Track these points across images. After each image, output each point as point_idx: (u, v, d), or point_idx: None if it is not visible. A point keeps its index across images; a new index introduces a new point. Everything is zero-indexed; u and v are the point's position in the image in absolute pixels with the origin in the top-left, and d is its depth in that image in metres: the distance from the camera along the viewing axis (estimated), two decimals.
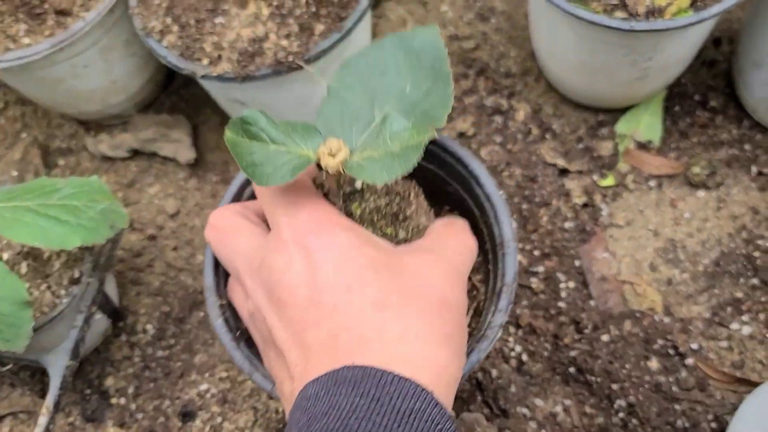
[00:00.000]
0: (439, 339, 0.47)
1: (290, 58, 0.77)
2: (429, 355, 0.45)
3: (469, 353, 0.62)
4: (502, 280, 0.64)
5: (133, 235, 0.99)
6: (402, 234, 0.66)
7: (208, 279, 0.64)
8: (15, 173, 1.04)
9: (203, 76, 0.80)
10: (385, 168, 0.52)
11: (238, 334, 0.63)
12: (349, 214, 0.66)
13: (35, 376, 0.91)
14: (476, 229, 0.75)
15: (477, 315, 0.71)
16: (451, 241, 0.59)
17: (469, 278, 0.74)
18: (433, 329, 0.47)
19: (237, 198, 0.70)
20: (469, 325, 0.71)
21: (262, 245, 0.54)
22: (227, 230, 0.58)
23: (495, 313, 0.63)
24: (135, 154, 1.06)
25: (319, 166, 0.56)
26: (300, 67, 0.78)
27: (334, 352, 0.43)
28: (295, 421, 0.39)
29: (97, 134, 1.08)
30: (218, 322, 0.62)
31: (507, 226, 0.66)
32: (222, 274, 0.65)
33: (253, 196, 0.72)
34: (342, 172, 0.55)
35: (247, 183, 0.71)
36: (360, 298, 0.47)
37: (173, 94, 1.12)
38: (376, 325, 0.45)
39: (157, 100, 1.11)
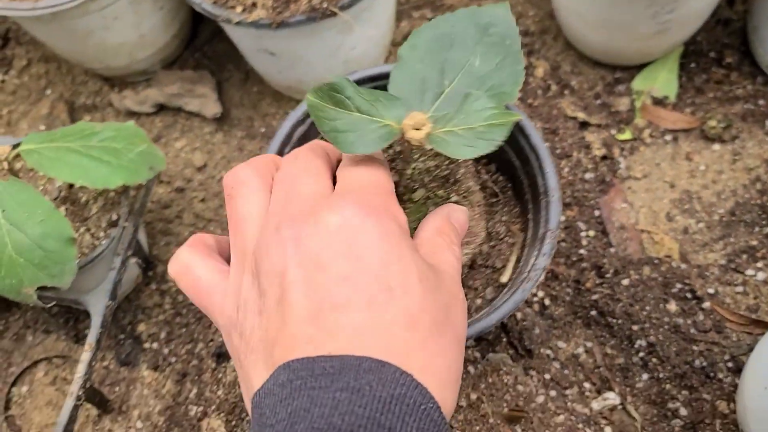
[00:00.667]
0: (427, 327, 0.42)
1: (324, 5, 0.79)
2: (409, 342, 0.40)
3: (513, 293, 0.64)
4: (546, 226, 0.67)
5: (160, 187, 1.01)
6: (454, 197, 0.69)
7: None
8: (42, 127, 1.05)
9: (237, 23, 0.81)
10: (469, 144, 0.53)
11: None
12: (402, 175, 0.68)
13: (69, 322, 0.93)
14: (515, 180, 0.78)
15: (517, 261, 0.73)
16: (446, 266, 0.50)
17: (509, 226, 0.77)
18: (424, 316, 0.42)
19: (284, 145, 0.72)
20: (513, 266, 0.74)
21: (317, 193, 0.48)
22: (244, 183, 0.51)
23: (539, 257, 0.65)
24: (160, 109, 1.08)
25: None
26: (333, 14, 0.80)
27: (340, 339, 0.39)
28: (272, 412, 0.37)
29: (121, 90, 1.09)
30: None
31: (552, 176, 0.69)
32: None
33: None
34: (423, 144, 0.56)
35: (287, 141, 0.73)
36: (395, 303, 0.41)
37: (197, 51, 1.13)
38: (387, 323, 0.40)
39: (181, 57, 1.12)
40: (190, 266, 0.50)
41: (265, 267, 0.43)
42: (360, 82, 0.75)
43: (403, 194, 0.69)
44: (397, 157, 0.71)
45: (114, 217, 0.82)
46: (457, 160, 0.69)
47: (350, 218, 0.43)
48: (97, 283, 0.81)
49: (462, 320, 0.47)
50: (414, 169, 0.70)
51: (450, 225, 0.56)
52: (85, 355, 0.77)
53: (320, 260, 0.41)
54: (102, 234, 0.80)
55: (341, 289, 0.40)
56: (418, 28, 0.63)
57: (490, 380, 0.84)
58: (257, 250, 0.45)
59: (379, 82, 0.73)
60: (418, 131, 0.54)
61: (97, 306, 0.80)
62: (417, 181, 0.69)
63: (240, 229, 0.48)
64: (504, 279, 0.71)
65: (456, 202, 0.68)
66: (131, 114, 1.08)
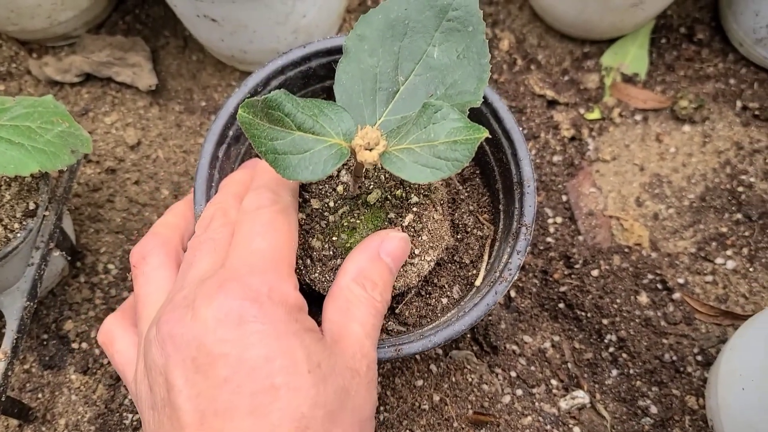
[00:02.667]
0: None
1: None
2: None
3: (485, 295, 0.58)
4: (520, 220, 0.60)
5: (89, 167, 0.90)
6: (414, 197, 0.61)
7: (200, 207, 0.58)
8: None
9: None
10: (428, 166, 0.45)
11: None
12: (351, 172, 0.60)
13: None
14: (485, 167, 0.71)
15: (488, 258, 0.67)
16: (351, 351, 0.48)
17: (477, 217, 0.70)
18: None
19: (222, 139, 0.63)
20: (485, 264, 0.67)
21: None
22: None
23: (513, 255, 0.59)
24: (86, 79, 0.96)
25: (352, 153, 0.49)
26: None
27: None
28: None
29: (41, 56, 0.97)
30: None
31: (527, 164, 0.62)
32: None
33: (237, 136, 0.65)
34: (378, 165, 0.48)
35: (231, 122, 0.64)
36: (281, 404, 0.40)
37: (127, 13, 1.01)
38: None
39: (109, 20, 1.00)
40: (113, 338, 0.50)
41: (149, 362, 0.42)
42: (312, 56, 0.66)
43: (357, 198, 0.61)
44: (348, 167, 0.62)
45: (31, 205, 0.71)
46: None
47: (229, 313, 0.41)
48: (12, 282, 0.71)
49: (366, 397, 0.45)
50: (372, 171, 0.62)
51: (377, 264, 0.51)
52: (0, 365, 0.67)
53: (199, 362, 0.39)
54: (17, 226, 0.70)
55: (223, 393, 0.38)
56: (364, 14, 0.53)
57: (454, 380, 0.79)
58: (144, 342, 0.44)
59: (335, 56, 0.65)
60: (371, 152, 0.46)
61: (13, 308, 0.70)
62: (372, 180, 0.61)
63: (139, 312, 0.48)
64: (477, 282, 0.65)
65: (416, 203, 0.60)
66: (53, 84, 0.96)
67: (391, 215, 0.58)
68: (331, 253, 0.57)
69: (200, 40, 0.91)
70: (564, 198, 0.91)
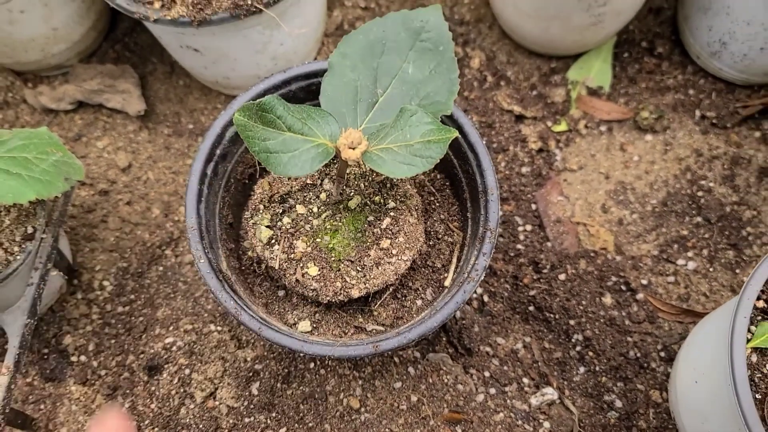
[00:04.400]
0: None
1: (249, 2, 0.75)
2: None
3: (454, 294, 0.63)
4: (485, 225, 0.66)
5: (83, 190, 0.96)
6: (391, 203, 0.67)
7: (191, 219, 0.63)
8: None
9: (156, 21, 0.77)
10: (405, 163, 0.52)
11: (221, 276, 0.63)
12: (333, 180, 0.66)
13: None
14: (454, 178, 0.76)
15: (457, 261, 0.72)
16: None
17: (448, 225, 0.75)
18: None
19: (210, 157, 0.68)
20: (455, 268, 0.73)
21: None
22: None
23: (479, 257, 0.64)
24: (79, 106, 1.01)
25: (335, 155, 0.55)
26: (258, 11, 0.76)
27: None
28: None
29: (36, 86, 1.02)
30: (202, 263, 0.61)
31: (490, 175, 0.67)
32: (204, 214, 0.64)
33: (224, 154, 0.70)
34: (360, 162, 0.54)
35: (218, 142, 0.69)
36: None
37: (116, 42, 1.07)
38: None
39: (100, 50, 1.06)
40: None
41: None
42: (292, 80, 0.72)
43: (339, 203, 0.66)
44: (330, 162, 0.68)
45: (29, 229, 0.77)
46: None
47: None
48: (13, 301, 0.76)
49: None
50: (349, 174, 0.68)
51: None
52: (3, 380, 0.72)
53: None
54: (17, 249, 0.75)
55: None
56: (347, 35, 0.60)
57: (431, 380, 0.84)
58: None
59: (313, 79, 0.70)
60: (353, 150, 0.52)
61: (15, 326, 0.75)
62: (353, 188, 0.67)
63: None
64: (447, 282, 0.70)
65: (393, 208, 0.66)
66: (48, 111, 1.01)
67: (371, 218, 0.64)
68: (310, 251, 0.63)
69: (185, 67, 0.97)
70: (533, 207, 0.96)
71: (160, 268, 0.92)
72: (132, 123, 1.00)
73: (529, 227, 0.95)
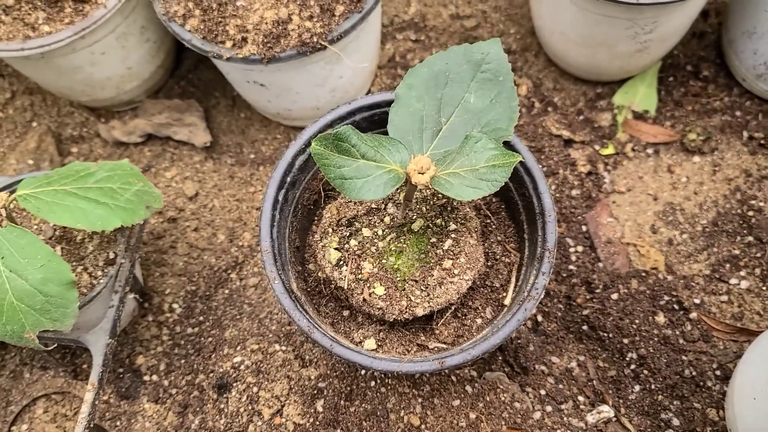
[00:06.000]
0: None
1: (315, 39, 0.80)
2: None
3: (515, 312, 0.66)
4: (543, 246, 0.69)
5: (153, 218, 1.02)
6: (452, 225, 0.71)
7: (266, 242, 0.67)
8: (30, 162, 1.05)
9: (229, 59, 0.82)
10: (471, 186, 0.56)
11: (293, 296, 0.67)
12: (397, 204, 0.70)
13: (66, 357, 0.94)
14: (510, 201, 0.80)
15: (516, 281, 0.76)
16: None
17: (505, 246, 0.79)
18: None
19: (281, 184, 0.73)
20: (514, 287, 0.76)
21: None
22: None
23: (538, 276, 0.67)
24: (148, 138, 1.08)
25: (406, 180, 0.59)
26: (323, 48, 0.81)
27: None
28: None
29: (108, 121, 1.09)
30: (276, 284, 0.65)
31: (547, 197, 0.71)
32: (276, 237, 0.69)
33: (293, 182, 0.75)
34: (428, 187, 0.58)
35: (289, 170, 0.74)
36: None
37: (182, 78, 1.13)
38: None
39: (166, 85, 1.13)
40: None
41: None
42: (357, 111, 0.76)
43: (403, 226, 0.70)
44: (399, 190, 0.72)
45: (111, 255, 0.82)
46: None
47: None
48: (96, 322, 0.82)
49: None
50: (411, 200, 0.72)
51: None
52: (89, 396, 0.77)
53: None
54: (100, 273, 0.81)
55: None
56: (412, 68, 0.65)
57: (488, 398, 0.86)
58: None
59: (376, 110, 0.75)
60: (423, 175, 0.56)
61: (98, 345, 0.80)
62: (415, 211, 0.71)
63: None
64: (506, 301, 0.73)
65: (454, 230, 0.70)
66: (119, 144, 1.08)
67: (433, 240, 0.68)
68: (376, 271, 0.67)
69: (248, 100, 1.03)
70: (584, 228, 0.99)
71: (226, 291, 0.97)
72: (198, 154, 1.06)
73: (580, 248, 0.97)
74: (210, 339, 0.93)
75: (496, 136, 0.62)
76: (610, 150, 1.05)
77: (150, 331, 0.95)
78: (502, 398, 0.86)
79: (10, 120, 1.11)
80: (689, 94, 1.08)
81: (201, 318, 0.95)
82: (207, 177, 1.05)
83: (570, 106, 1.09)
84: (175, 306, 0.96)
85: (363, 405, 0.85)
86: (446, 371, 0.86)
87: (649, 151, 1.05)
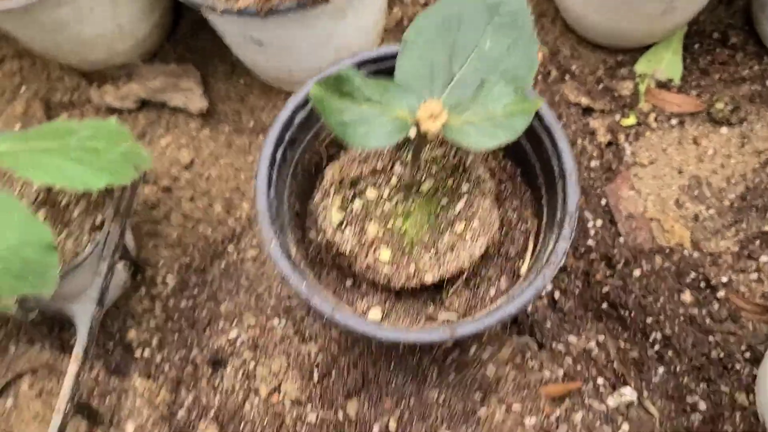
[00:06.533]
0: None
1: None
2: None
3: (533, 280, 0.61)
4: (564, 209, 0.63)
5: (146, 187, 0.96)
6: (464, 186, 0.65)
7: (261, 203, 0.62)
8: (18, 127, 1.00)
9: (223, 12, 0.77)
10: (487, 134, 0.50)
11: (291, 260, 0.62)
12: (404, 164, 0.64)
13: (53, 331, 0.88)
14: (526, 165, 0.74)
15: (533, 249, 0.70)
16: None
17: (520, 213, 0.73)
18: None
19: (279, 142, 0.68)
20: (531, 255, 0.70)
21: None
22: None
23: (558, 241, 0.62)
24: (142, 105, 1.03)
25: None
26: (325, 1, 0.76)
27: None
28: None
29: (101, 86, 1.04)
30: (273, 246, 0.60)
31: (568, 156, 0.65)
32: (273, 198, 0.63)
33: (293, 140, 0.69)
34: (439, 135, 0.52)
35: (288, 126, 0.68)
36: None
37: (179, 43, 1.08)
38: None
39: (162, 50, 1.07)
40: None
41: None
42: (361, 65, 0.71)
43: (410, 187, 0.64)
44: (407, 148, 0.66)
45: (98, 220, 0.77)
46: None
47: None
48: (82, 291, 0.76)
49: None
50: (421, 159, 0.66)
51: None
52: (72, 368, 0.72)
53: None
54: (86, 238, 0.76)
55: None
56: (423, 11, 0.59)
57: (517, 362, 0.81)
58: None
59: (381, 64, 0.69)
60: (434, 122, 0.50)
61: (84, 315, 0.75)
62: (424, 171, 0.65)
63: None
64: (523, 270, 0.68)
65: (467, 192, 0.64)
66: (112, 110, 1.02)
67: (444, 202, 0.62)
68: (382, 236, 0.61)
69: (247, 63, 0.97)
70: (603, 202, 0.93)
71: (223, 264, 0.91)
72: (194, 121, 1.01)
73: (599, 222, 0.91)
74: (205, 313, 0.88)
75: (514, 84, 0.56)
76: (631, 120, 0.98)
77: (142, 304, 0.90)
78: (530, 365, 0.81)
79: None
80: (716, 62, 1.01)
81: (195, 291, 0.89)
82: (203, 145, 0.99)
83: (588, 74, 1.03)
84: (168, 279, 0.91)
85: (372, 378, 0.80)
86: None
87: (674, 121, 0.98)
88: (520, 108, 0.49)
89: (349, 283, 0.71)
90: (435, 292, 0.69)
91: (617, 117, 0.98)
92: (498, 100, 0.50)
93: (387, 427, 0.78)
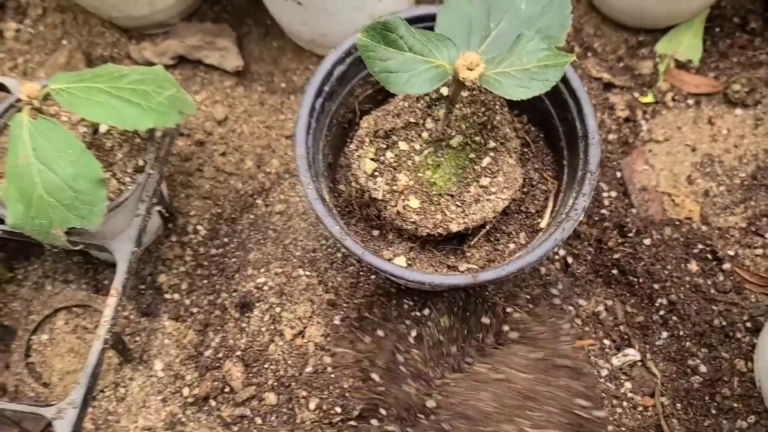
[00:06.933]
0: None
1: None
2: None
3: (552, 232, 0.65)
4: (585, 167, 0.67)
5: (180, 140, 1.00)
6: (491, 143, 0.69)
7: (300, 148, 0.66)
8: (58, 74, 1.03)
9: None
10: (521, 86, 0.54)
11: (325, 204, 0.66)
12: (436, 120, 0.68)
13: (88, 273, 0.93)
14: (550, 128, 0.78)
15: (553, 206, 0.74)
16: None
17: (542, 173, 0.77)
18: None
19: (319, 92, 0.71)
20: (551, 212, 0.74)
21: None
22: None
23: (578, 198, 0.66)
24: (179, 62, 1.06)
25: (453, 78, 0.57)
26: None
27: None
28: None
29: (140, 42, 1.08)
30: (310, 189, 0.64)
31: (591, 119, 0.69)
32: (311, 146, 0.67)
33: (331, 92, 0.73)
34: (476, 84, 0.56)
35: (327, 79, 0.72)
36: None
37: (215, 3, 1.12)
38: None
39: (200, 10, 1.11)
40: None
41: None
42: None
43: (441, 141, 0.68)
44: (439, 105, 0.70)
45: (140, 162, 0.81)
46: (494, 106, 0.69)
47: None
48: (122, 229, 0.81)
49: None
50: (451, 117, 0.70)
51: None
52: (112, 300, 0.77)
53: None
54: (128, 179, 0.80)
55: None
56: None
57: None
58: None
59: (419, 24, 0.73)
60: (471, 71, 0.54)
61: (123, 252, 0.80)
62: (454, 128, 0.69)
63: None
64: (542, 225, 0.72)
65: (493, 148, 0.68)
66: (150, 66, 1.06)
67: (471, 156, 0.66)
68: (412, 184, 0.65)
69: (283, 24, 1.01)
70: (618, 174, 0.96)
71: (251, 216, 0.96)
72: (228, 79, 1.05)
73: (613, 193, 0.95)
74: (234, 260, 0.92)
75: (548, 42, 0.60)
76: (649, 98, 1.02)
77: (173, 251, 0.94)
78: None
79: (40, 36, 1.10)
80: (735, 45, 1.05)
81: (225, 240, 0.94)
82: (237, 102, 1.03)
83: (610, 52, 1.06)
84: (199, 227, 0.95)
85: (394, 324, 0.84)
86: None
87: (690, 101, 1.02)
88: (554, 61, 0.53)
89: (376, 233, 0.75)
90: (458, 243, 0.73)
91: (636, 94, 1.02)
92: (533, 53, 0.54)
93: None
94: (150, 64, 1.06)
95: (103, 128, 0.82)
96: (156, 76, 0.78)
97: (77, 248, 0.76)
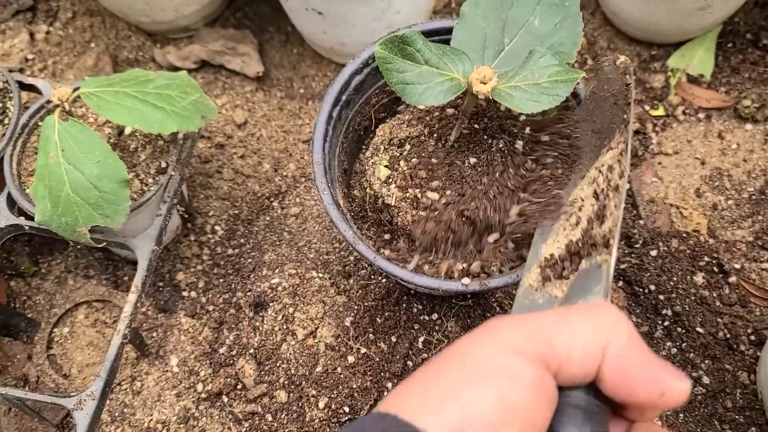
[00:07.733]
0: None
1: None
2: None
3: None
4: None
5: (201, 142, 1.03)
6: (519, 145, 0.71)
7: (317, 154, 0.68)
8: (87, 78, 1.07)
9: None
10: (533, 100, 0.56)
11: (340, 209, 0.68)
12: (460, 118, 0.71)
13: (108, 269, 0.96)
14: None
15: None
16: None
17: None
18: None
19: (336, 101, 0.74)
20: None
21: None
22: None
23: None
24: (201, 66, 1.10)
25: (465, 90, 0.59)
26: None
27: None
28: None
29: (164, 46, 1.11)
30: (325, 194, 0.66)
31: None
32: (327, 152, 0.70)
33: (348, 101, 0.75)
34: (489, 97, 0.58)
35: (345, 88, 0.75)
36: None
37: (238, 10, 1.15)
38: None
39: (222, 16, 1.14)
40: None
41: None
42: None
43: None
44: (454, 111, 0.72)
45: (163, 164, 0.84)
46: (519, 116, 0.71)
47: None
48: (143, 228, 0.84)
49: None
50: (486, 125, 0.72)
51: None
52: (132, 297, 0.80)
53: None
54: (151, 180, 0.83)
55: None
56: None
57: None
58: None
59: (435, 36, 0.75)
60: (485, 85, 0.56)
61: (144, 250, 0.83)
62: (488, 134, 0.71)
63: None
64: None
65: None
66: (173, 70, 1.09)
67: None
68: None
69: (303, 32, 1.04)
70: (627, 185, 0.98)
71: (268, 218, 0.98)
72: (249, 84, 1.08)
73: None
74: (249, 260, 0.95)
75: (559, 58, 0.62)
76: (660, 111, 1.04)
77: (191, 249, 0.97)
78: None
79: (69, 39, 1.13)
80: (747, 61, 1.06)
81: (242, 240, 0.97)
82: (257, 107, 1.06)
83: None
84: (217, 228, 0.98)
85: (403, 327, 0.86)
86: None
87: (701, 115, 1.03)
88: (564, 77, 0.55)
89: (387, 237, 0.78)
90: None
91: (647, 107, 1.04)
92: (544, 68, 0.56)
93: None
94: (173, 67, 1.09)
95: (127, 130, 0.85)
96: (180, 81, 0.81)
97: (100, 245, 0.79)
